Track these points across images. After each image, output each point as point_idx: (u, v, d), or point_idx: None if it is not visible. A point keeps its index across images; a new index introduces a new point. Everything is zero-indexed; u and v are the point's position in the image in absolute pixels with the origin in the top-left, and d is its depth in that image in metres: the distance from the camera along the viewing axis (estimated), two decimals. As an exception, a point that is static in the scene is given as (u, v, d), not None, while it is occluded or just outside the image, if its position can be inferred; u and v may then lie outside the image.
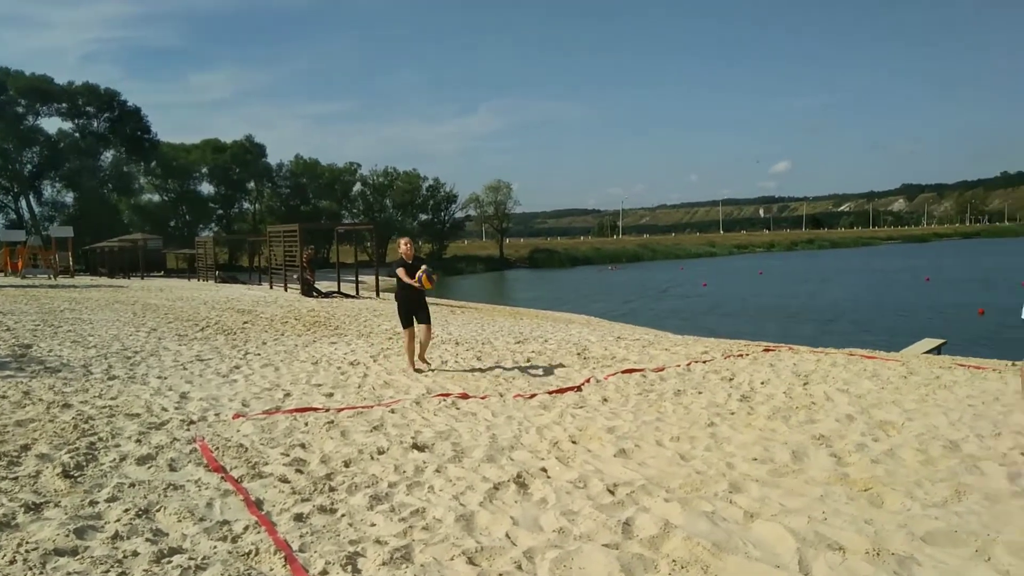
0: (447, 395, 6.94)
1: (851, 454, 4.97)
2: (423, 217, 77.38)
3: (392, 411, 6.33)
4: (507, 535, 3.64)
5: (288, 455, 4.95)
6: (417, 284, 8.00)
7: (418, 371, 8.27)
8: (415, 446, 5.20)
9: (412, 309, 8.26)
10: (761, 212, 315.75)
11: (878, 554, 3.35)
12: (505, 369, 8.61)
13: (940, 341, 15.22)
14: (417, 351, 8.38)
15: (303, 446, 5.19)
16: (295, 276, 23.32)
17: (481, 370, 8.55)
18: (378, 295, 23.36)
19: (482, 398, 6.89)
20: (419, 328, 8.28)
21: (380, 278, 25.03)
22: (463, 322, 15.20)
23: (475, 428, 5.74)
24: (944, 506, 4.03)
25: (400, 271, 8.12)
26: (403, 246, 8.33)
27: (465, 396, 6.92)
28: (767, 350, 10.24)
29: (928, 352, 13.02)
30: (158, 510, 3.92)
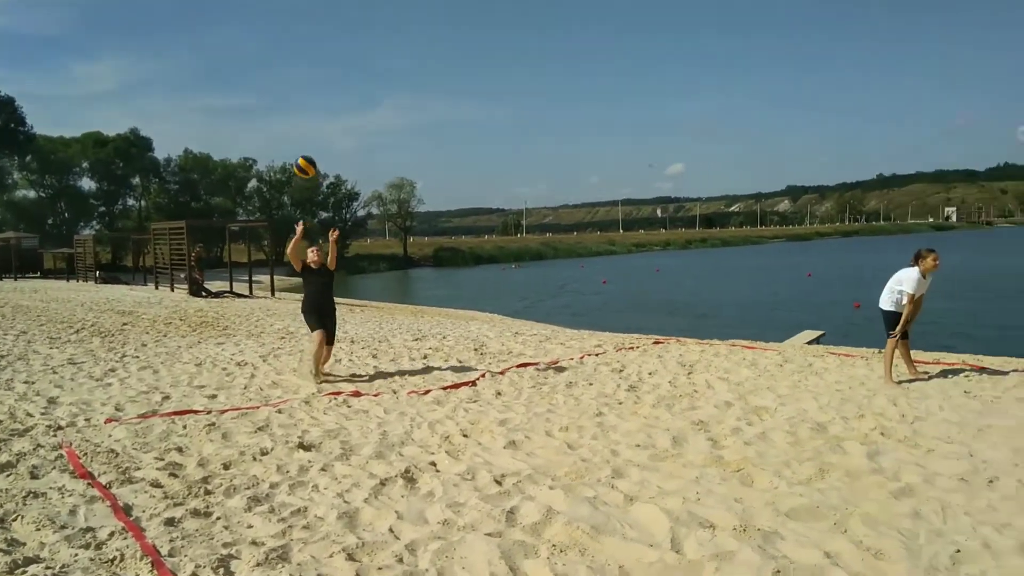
0: (338, 393, 6.81)
1: (727, 438, 5.22)
2: (324, 215, 75.63)
3: (279, 411, 6.14)
4: (390, 529, 3.61)
5: (163, 459, 4.72)
6: (301, 174, 7.89)
7: (324, 379, 7.51)
8: (301, 446, 5.07)
9: (323, 314, 7.56)
10: (659, 212, 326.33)
11: (744, 530, 3.52)
12: (400, 366, 8.53)
13: (819, 333, 16.14)
14: (320, 362, 7.63)
15: (180, 450, 4.96)
16: (183, 276, 22.28)
17: (376, 367, 8.43)
18: (273, 295, 22.63)
19: (375, 395, 6.80)
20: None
21: (276, 277, 24.28)
22: (361, 320, 14.95)
23: (366, 425, 5.66)
24: (808, 483, 4.29)
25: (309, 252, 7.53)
26: (312, 254, 7.56)
27: (357, 394, 6.80)
28: (657, 343, 10.59)
29: (808, 343, 13.79)
30: (15, 519, 3.65)
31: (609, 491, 4.11)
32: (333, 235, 7.71)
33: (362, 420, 5.85)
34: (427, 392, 6.90)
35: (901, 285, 7.24)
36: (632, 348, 9.90)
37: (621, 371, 8.05)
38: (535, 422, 5.74)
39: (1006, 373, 7.61)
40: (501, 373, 7.89)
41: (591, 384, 7.30)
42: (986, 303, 26.64)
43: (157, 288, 25.27)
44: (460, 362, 8.78)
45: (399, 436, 5.31)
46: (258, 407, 6.31)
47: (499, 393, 6.87)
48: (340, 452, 4.92)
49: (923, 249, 7.34)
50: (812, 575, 3.06)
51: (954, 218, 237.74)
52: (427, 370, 8.25)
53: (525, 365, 8.37)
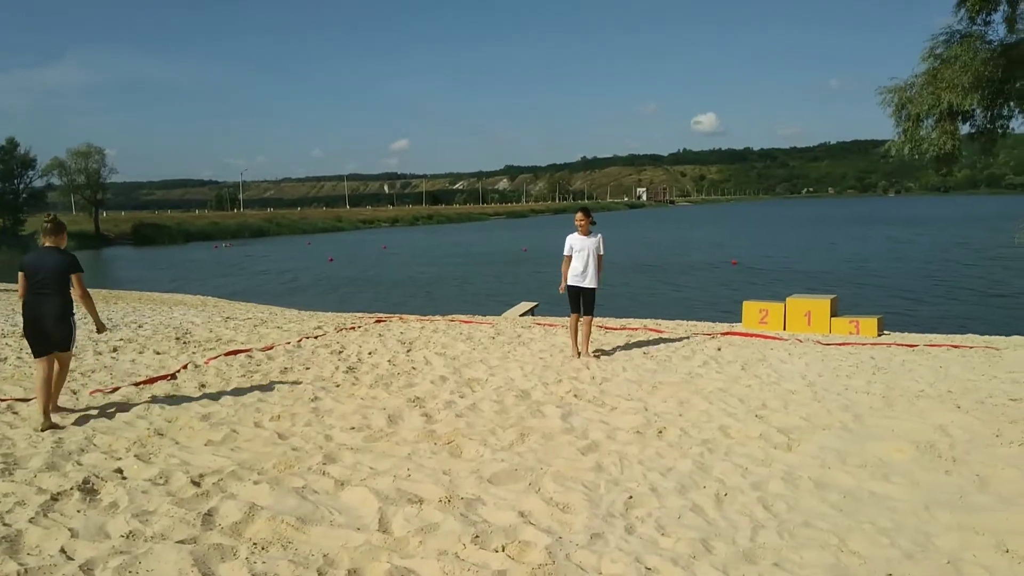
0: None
1: (440, 412, 5.40)
2: (-11, 185, 63.84)
3: (-85, 426, 5.07)
4: (62, 550, 3.17)
5: None
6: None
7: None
8: (-55, 465, 4.23)
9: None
10: (385, 188, 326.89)
11: (449, 500, 3.67)
12: (83, 362, 7.50)
13: (533, 304, 17.36)
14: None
15: None
16: None
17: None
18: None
19: (48, 398, 5.89)
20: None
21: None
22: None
23: (34, 435, 4.89)
24: (510, 448, 4.59)
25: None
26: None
27: (25, 400, 5.85)
28: (379, 321, 10.61)
29: (522, 315, 14.77)
30: None
31: (320, 478, 4.03)
32: None
33: (29, 429, 5.04)
34: (115, 390, 6.16)
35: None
36: (353, 328, 9.80)
37: (340, 352, 7.93)
38: (243, 413, 5.42)
39: (677, 337, 8.85)
40: (206, 363, 7.32)
41: (308, 368, 7.08)
42: (662, 273, 30.76)
43: None
44: (158, 353, 7.98)
45: (77, 443, 4.67)
46: None
47: (203, 385, 6.37)
48: (1, 467, 4.20)
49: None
50: (507, 535, 3.27)
51: (644, 197, 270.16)
52: (115, 365, 7.36)
53: (235, 353, 7.86)
